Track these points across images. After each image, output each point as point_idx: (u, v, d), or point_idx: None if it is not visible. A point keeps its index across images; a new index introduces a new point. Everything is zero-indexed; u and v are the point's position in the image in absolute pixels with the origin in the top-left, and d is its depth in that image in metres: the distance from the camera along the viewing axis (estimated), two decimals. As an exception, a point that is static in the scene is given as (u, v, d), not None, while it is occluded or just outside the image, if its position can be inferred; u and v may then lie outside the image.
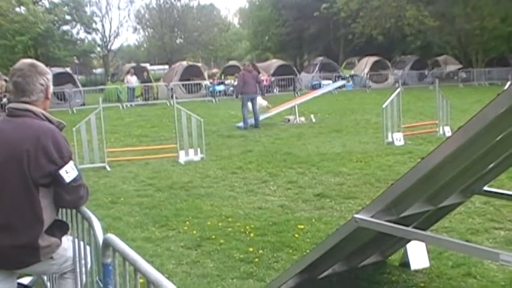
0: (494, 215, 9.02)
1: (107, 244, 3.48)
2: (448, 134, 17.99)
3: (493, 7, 48.61)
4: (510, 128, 4.59)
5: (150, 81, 41.37)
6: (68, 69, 45.32)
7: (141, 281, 3.10)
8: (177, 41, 77.75)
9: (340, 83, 31.65)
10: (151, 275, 2.82)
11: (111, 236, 3.45)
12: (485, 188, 6.19)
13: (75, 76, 44.01)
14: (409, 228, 5.28)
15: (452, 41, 54.89)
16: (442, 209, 6.12)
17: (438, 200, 5.69)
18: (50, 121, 4.20)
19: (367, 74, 46.86)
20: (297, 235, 8.34)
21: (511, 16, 48.81)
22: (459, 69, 50.85)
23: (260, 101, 23.34)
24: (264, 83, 42.21)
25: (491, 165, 5.60)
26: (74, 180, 4.09)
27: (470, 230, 8.35)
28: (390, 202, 5.18)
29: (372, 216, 5.19)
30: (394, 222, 5.23)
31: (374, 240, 6.12)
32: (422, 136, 18.03)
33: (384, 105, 17.28)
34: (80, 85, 40.10)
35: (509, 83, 21.83)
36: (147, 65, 58.62)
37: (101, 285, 3.71)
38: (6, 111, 4.28)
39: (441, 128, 18.40)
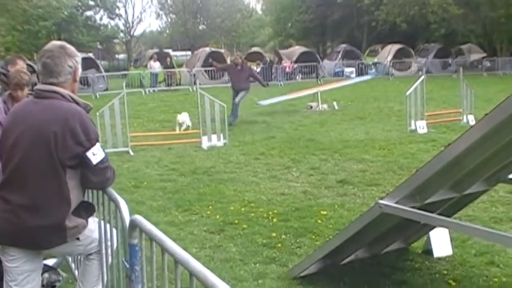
0: (519, 204, 8.99)
1: (133, 225, 3.51)
2: (472, 122, 17.86)
3: (519, -6, 48.04)
4: None
5: (173, 67, 41.41)
6: (91, 55, 45.39)
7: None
8: (200, 27, 77.66)
9: (367, 77, 31.21)
10: (180, 255, 2.84)
11: (138, 217, 3.48)
12: (511, 176, 6.16)
13: (98, 61, 44.09)
14: (434, 215, 5.27)
15: (477, 29, 54.28)
16: (466, 196, 6.11)
17: (462, 187, 5.68)
18: (77, 103, 4.22)
19: (390, 61, 46.60)
20: (319, 221, 8.35)
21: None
22: (483, 57, 50.32)
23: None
24: (287, 69, 42.25)
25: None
26: (101, 162, 4.12)
27: (494, 219, 8.32)
28: (414, 189, 5.18)
29: (396, 203, 5.19)
30: (418, 209, 5.24)
31: (397, 227, 6.11)
32: (446, 124, 17.95)
33: (408, 93, 17.20)
34: (103, 70, 40.25)
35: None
36: (170, 51, 58.71)
37: (127, 265, 3.74)
38: (34, 92, 4.31)
39: (465, 116, 18.30)
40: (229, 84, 20.77)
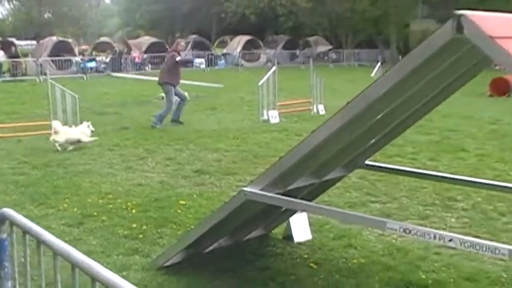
0: (369, 189, 9.43)
1: (2, 218, 3.37)
2: (322, 112, 18.53)
3: (363, -10, 50.19)
4: (388, 109, 4.86)
5: (18, 57, 39.88)
6: None
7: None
8: (46, 15, 75.17)
9: (217, 85, 30.24)
10: (59, 246, 2.77)
11: (8, 210, 3.34)
12: (367, 162, 6.44)
13: None
14: (297, 200, 5.45)
15: (324, 23, 56.08)
16: (326, 182, 6.34)
17: (322, 173, 5.89)
18: None
19: (239, 52, 47.21)
20: (179, 211, 8.36)
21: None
22: (329, 50, 52.23)
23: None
24: (137, 60, 41.78)
25: (371, 142, 5.87)
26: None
27: (349, 204, 8.68)
28: (278, 176, 5.29)
29: (260, 190, 5.29)
30: (282, 195, 5.37)
31: (260, 214, 6.25)
32: (297, 114, 18.41)
33: (260, 83, 17.49)
34: None
35: (378, 64, 22.62)
36: (14, 40, 56.43)
37: (-6, 262, 3.59)
38: None
39: (315, 106, 18.85)
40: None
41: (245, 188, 5.34)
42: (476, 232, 7.46)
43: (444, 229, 7.59)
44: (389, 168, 6.87)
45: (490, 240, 7.06)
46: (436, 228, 7.54)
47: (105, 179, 10.38)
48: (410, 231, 4.21)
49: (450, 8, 49.13)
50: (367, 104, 4.48)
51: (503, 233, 7.49)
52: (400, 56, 30.69)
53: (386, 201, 8.90)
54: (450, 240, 4.05)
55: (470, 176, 8.97)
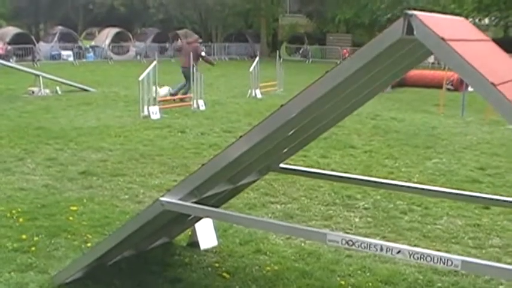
0: (267, 189, 9.22)
1: None
2: (202, 107, 18.28)
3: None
4: (301, 124, 4.81)
5: None
6: None
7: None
8: None
9: (89, 89, 28.51)
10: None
11: None
12: (281, 165, 6.19)
13: None
14: (222, 210, 5.24)
15: (193, 16, 55.89)
16: (239, 187, 6.06)
17: (238, 179, 5.65)
18: None
19: (108, 45, 46.09)
20: (71, 218, 7.76)
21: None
22: (200, 43, 51.94)
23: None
24: (0, 51, 39.86)
25: (285, 150, 5.70)
26: None
27: (248, 205, 8.43)
28: (198, 185, 4.98)
29: (179, 199, 4.95)
30: (196, 203, 5.07)
31: (170, 222, 5.87)
32: (178, 110, 18.02)
33: (140, 78, 16.92)
34: None
35: (257, 59, 22.60)
36: None
37: None
38: None
39: (195, 101, 18.54)
40: None
41: (162, 198, 4.96)
42: (383, 232, 7.42)
43: (350, 229, 7.51)
44: (305, 171, 6.63)
45: (397, 240, 7.06)
46: (342, 229, 7.49)
47: (-19, 183, 9.58)
48: (353, 243, 3.97)
49: (318, 5, 50.39)
50: (282, 122, 4.36)
51: (409, 231, 7.47)
52: (277, 51, 30.72)
53: (286, 201, 8.72)
54: (398, 252, 3.84)
55: (364, 174, 9.05)
